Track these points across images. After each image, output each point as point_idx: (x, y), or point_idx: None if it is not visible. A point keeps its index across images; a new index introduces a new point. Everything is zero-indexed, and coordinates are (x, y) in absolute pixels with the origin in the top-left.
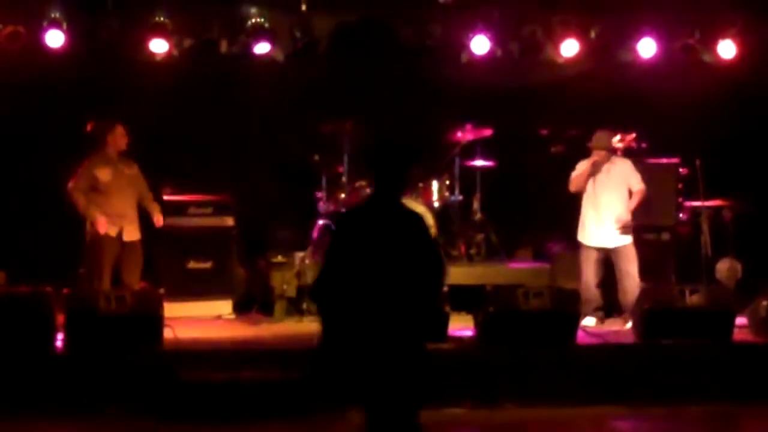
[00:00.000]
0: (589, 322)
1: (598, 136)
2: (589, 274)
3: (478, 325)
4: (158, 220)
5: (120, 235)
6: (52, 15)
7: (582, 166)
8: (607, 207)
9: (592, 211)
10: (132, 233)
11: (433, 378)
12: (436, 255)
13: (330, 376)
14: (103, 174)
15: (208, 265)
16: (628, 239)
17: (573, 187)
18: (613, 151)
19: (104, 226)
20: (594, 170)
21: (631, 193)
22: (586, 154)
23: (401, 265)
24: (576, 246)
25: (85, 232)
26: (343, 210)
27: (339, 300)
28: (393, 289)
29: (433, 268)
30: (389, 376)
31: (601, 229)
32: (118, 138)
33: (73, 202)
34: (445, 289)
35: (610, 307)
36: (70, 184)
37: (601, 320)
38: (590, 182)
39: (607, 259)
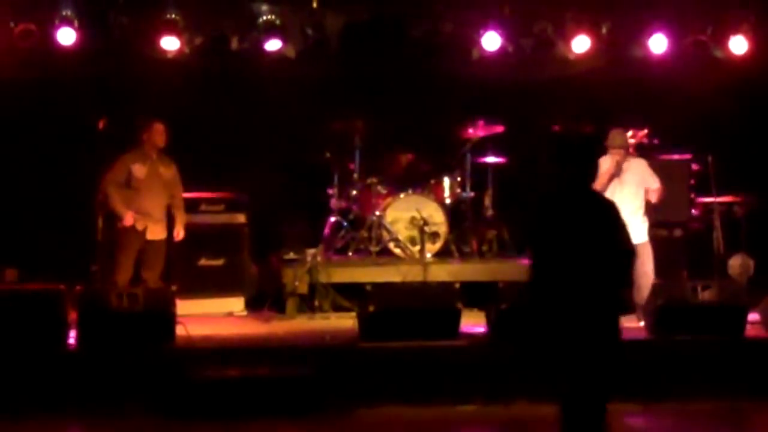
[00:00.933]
0: None
1: (614, 135)
2: None
3: (490, 322)
4: (178, 232)
5: (144, 231)
6: (64, 13)
7: (601, 167)
8: (623, 205)
9: None
10: (157, 232)
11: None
12: (628, 240)
13: (542, 357)
14: (139, 171)
15: (220, 262)
16: (644, 237)
17: (597, 187)
18: (628, 150)
19: (130, 221)
20: (617, 170)
21: (646, 192)
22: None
23: (598, 249)
24: None
25: (98, 229)
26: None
27: (551, 284)
28: (592, 272)
29: (625, 252)
30: (592, 358)
31: None
32: (155, 135)
33: (104, 195)
34: (457, 285)
35: None
36: (104, 178)
37: None
38: (611, 183)
39: None
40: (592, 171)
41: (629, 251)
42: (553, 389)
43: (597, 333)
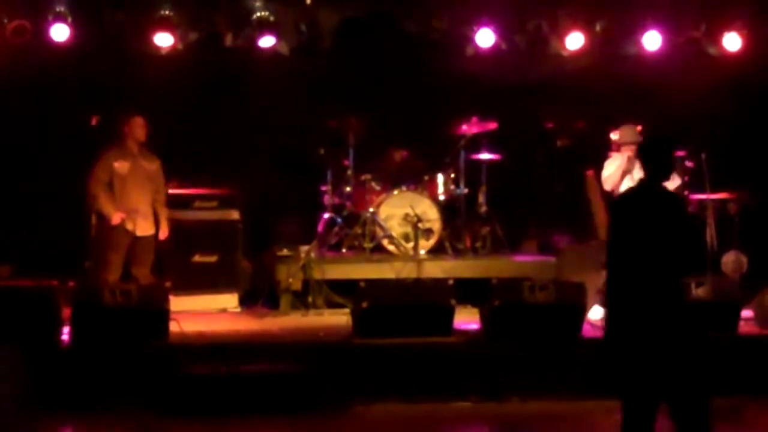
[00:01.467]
0: (596, 313)
1: (626, 131)
2: None
3: (484, 319)
4: (163, 232)
5: (133, 229)
6: (58, 9)
7: (613, 164)
8: None
9: None
10: (145, 228)
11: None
12: (697, 233)
13: (615, 362)
14: (121, 167)
15: (213, 258)
16: None
17: (609, 186)
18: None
19: (117, 220)
20: (629, 166)
21: None
22: (594, 147)
23: (668, 242)
24: (581, 239)
25: (91, 225)
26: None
27: (625, 276)
28: (663, 264)
29: (695, 244)
30: (683, 359)
31: None
32: (136, 129)
33: (91, 197)
34: (451, 282)
35: None
36: (89, 180)
37: None
38: (625, 180)
39: None
40: (666, 169)
41: (698, 241)
42: (622, 389)
43: (677, 329)
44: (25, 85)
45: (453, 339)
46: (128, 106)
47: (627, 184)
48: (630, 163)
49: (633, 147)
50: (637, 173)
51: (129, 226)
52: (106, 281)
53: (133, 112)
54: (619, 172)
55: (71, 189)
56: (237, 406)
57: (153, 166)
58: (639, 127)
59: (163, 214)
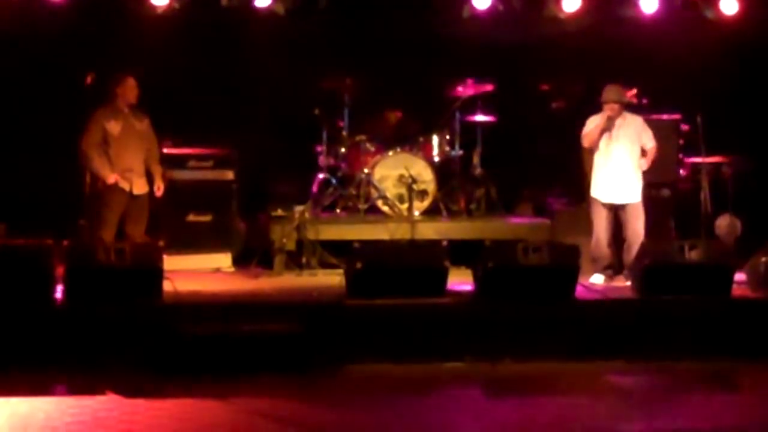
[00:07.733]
0: (597, 279)
1: (609, 90)
2: (601, 232)
3: (478, 280)
4: (159, 188)
5: (129, 188)
6: None
7: (594, 122)
8: (618, 163)
9: (603, 167)
10: (140, 187)
11: None
12: None
13: None
14: (113, 127)
15: (208, 218)
16: (637, 197)
17: (586, 142)
18: (624, 105)
19: (112, 180)
20: (608, 125)
21: (643, 151)
22: (590, 110)
23: None
24: (576, 201)
25: (86, 184)
26: None
27: None
28: None
29: None
30: None
31: (612, 186)
32: (128, 90)
33: (85, 158)
34: (445, 243)
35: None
36: (82, 141)
37: (610, 278)
38: (603, 138)
39: (616, 216)
40: None
41: None
42: None
43: None
44: (18, 43)
45: (446, 300)
46: (121, 67)
47: (606, 143)
48: (609, 121)
49: (614, 106)
50: (620, 133)
51: (125, 186)
52: (100, 240)
53: (125, 73)
54: (597, 131)
55: (66, 147)
56: (229, 366)
57: (143, 124)
58: (633, 90)
59: (158, 171)
